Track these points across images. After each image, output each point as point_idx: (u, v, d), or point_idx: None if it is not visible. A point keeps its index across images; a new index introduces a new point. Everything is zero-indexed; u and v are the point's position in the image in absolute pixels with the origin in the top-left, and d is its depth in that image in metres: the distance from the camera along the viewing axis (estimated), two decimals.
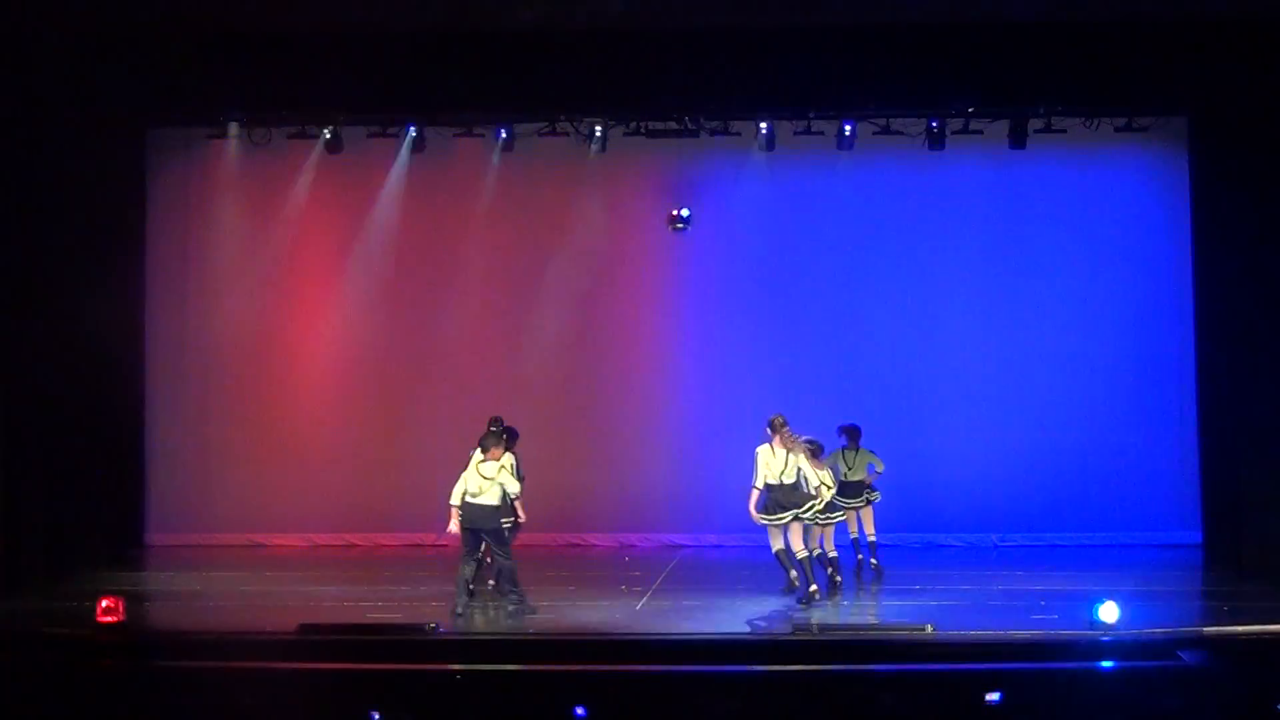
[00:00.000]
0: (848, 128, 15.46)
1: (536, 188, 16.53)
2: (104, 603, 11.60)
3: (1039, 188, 16.34)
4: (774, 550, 12.69)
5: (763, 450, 12.65)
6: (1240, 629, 11.56)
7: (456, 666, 10.47)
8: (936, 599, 12.97)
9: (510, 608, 12.27)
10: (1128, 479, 16.17)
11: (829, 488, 12.98)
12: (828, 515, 13.00)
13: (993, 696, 9.50)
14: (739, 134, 15.78)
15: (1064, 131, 15.52)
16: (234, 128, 15.84)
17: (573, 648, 11.14)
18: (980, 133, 15.62)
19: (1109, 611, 11.20)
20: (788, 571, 12.67)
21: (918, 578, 14.05)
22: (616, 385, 16.46)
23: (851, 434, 14.28)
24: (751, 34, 13.57)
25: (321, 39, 13.49)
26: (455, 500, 12.24)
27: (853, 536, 14.11)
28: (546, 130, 15.90)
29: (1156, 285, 16.25)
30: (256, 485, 16.62)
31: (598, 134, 15.66)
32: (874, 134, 15.63)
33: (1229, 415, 14.80)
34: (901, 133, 15.64)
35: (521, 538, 13.24)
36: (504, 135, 15.94)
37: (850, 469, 14.03)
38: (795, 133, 15.76)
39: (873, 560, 14.11)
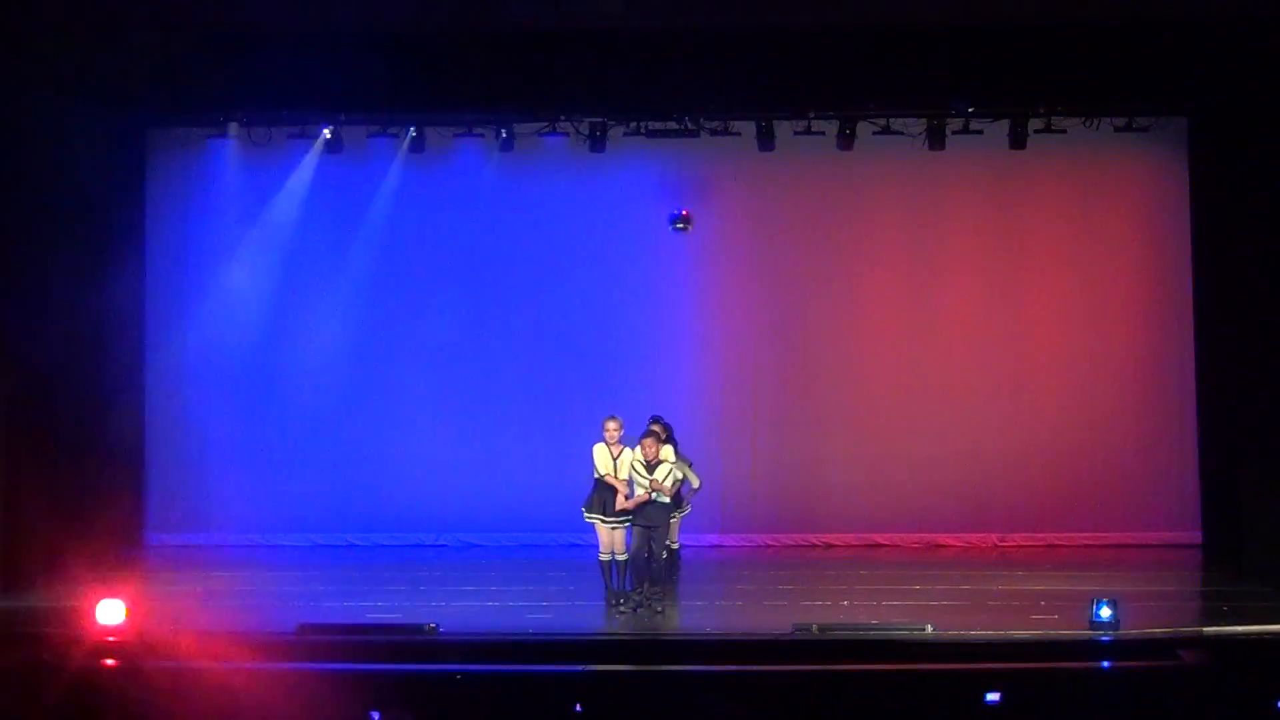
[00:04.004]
0: (848, 128, 15.47)
1: (536, 188, 16.53)
2: (104, 603, 11.61)
3: (1039, 188, 16.34)
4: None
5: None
6: (1240, 629, 11.56)
7: (456, 666, 10.47)
8: (936, 599, 12.97)
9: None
10: (1128, 479, 16.17)
11: None
12: None
13: (993, 696, 9.50)
14: (739, 134, 15.78)
15: (1064, 132, 15.52)
16: (234, 128, 15.84)
17: (573, 648, 11.14)
18: (980, 133, 15.61)
19: (1108, 611, 11.21)
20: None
21: (918, 578, 14.05)
22: (615, 385, 16.43)
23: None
24: (751, 34, 13.55)
25: (321, 39, 13.48)
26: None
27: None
28: (546, 130, 15.91)
29: (1156, 285, 16.25)
30: (256, 485, 16.61)
31: (598, 134, 15.67)
32: (874, 134, 15.63)
33: (1229, 415, 14.80)
34: (901, 133, 15.63)
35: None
36: (504, 135, 15.94)
37: None
38: (795, 133, 15.75)
39: None
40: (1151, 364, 16.25)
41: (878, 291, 16.53)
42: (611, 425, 12.58)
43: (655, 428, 12.68)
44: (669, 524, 12.50)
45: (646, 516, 12.29)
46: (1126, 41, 13.28)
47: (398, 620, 11.89)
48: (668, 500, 12.35)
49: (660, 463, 12.32)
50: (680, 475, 12.43)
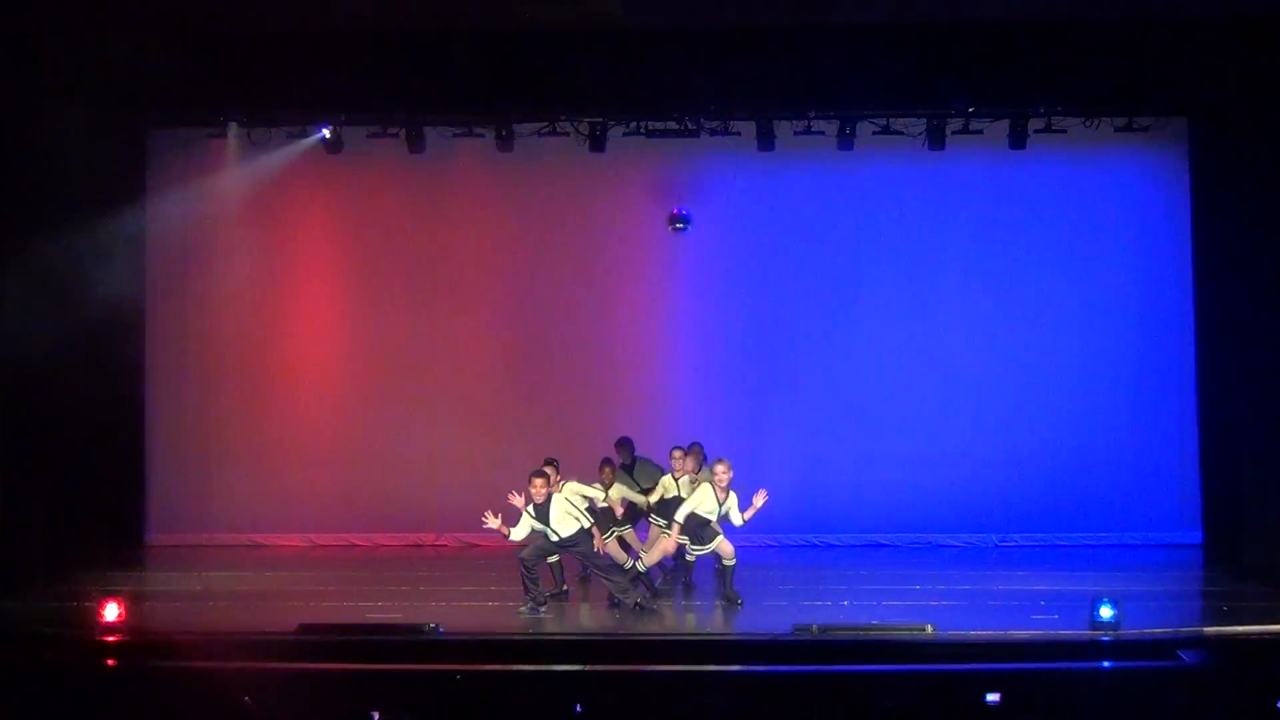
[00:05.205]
0: (848, 128, 15.48)
1: (536, 188, 16.52)
2: (104, 603, 11.62)
3: (1039, 188, 16.34)
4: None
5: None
6: (1240, 629, 11.57)
7: (456, 666, 10.47)
8: (936, 599, 12.97)
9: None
10: (1128, 479, 16.16)
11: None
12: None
13: (993, 696, 9.51)
14: (739, 134, 15.78)
15: (1064, 131, 15.53)
16: (234, 128, 15.84)
17: (573, 648, 11.15)
18: (980, 133, 15.62)
19: (1109, 611, 11.22)
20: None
21: (918, 578, 14.06)
22: (615, 385, 16.45)
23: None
24: (752, 34, 13.56)
25: (321, 39, 13.48)
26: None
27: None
28: (546, 130, 15.91)
29: (1156, 285, 16.24)
30: (256, 485, 16.61)
31: (598, 134, 15.66)
32: (874, 134, 15.64)
33: (1229, 415, 14.80)
34: (901, 133, 15.64)
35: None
36: (504, 135, 15.92)
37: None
38: (795, 133, 15.76)
39: None
40: (1151, 364, 16.24)
41: (878, 291, 16.51)
42: (720, 468, 12.82)
43: (547, 469, 12.78)
44: (590, 546, 12.56)
45: (563, 545, 12.57)
46: (1126, 41, 13.29)
47: (398, 620, 11.89)
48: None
49: (551, 497, 12.44)
50: (580, 514, 12.57)
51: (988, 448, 16.22)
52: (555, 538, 12.45)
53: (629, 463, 14.19)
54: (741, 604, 12.68)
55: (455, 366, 16.65)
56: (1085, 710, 9.70)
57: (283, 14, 13.06)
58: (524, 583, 12.44)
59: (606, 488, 13.42)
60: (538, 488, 12.40)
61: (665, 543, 12.92)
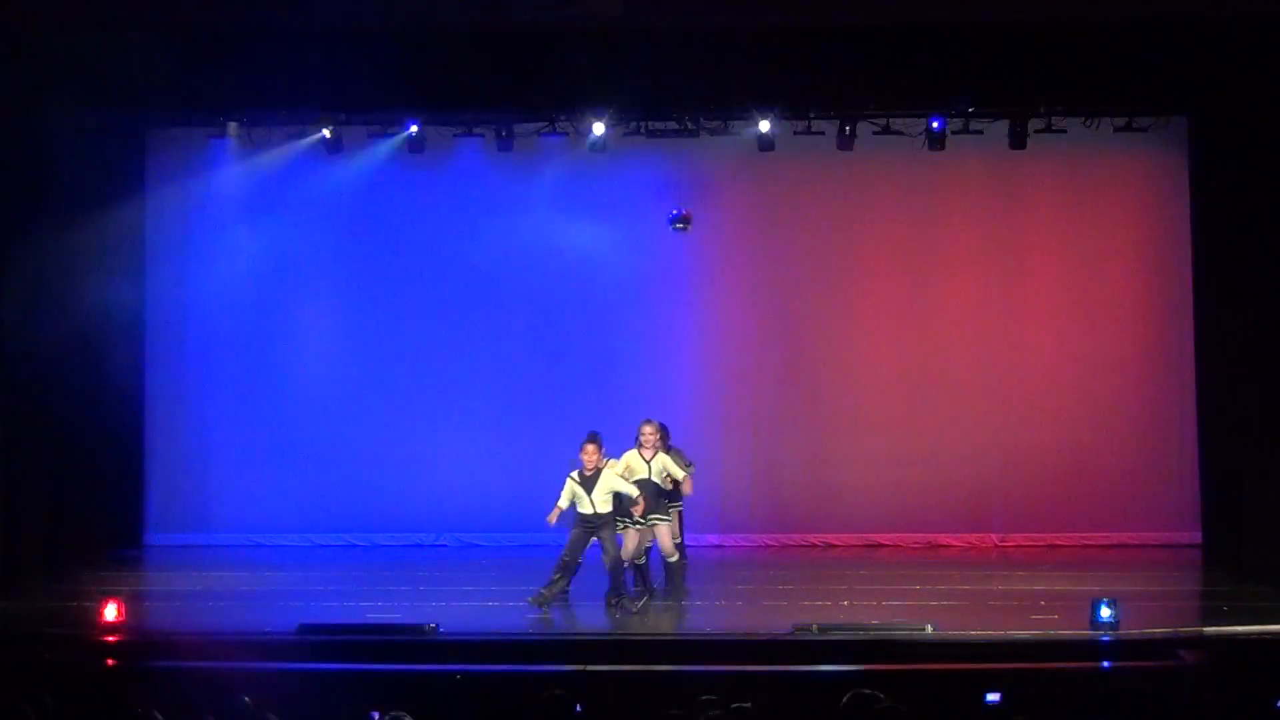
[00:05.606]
0: (848, 128, 15.48)
1: (536, 188, 16.52)
2: (104, 603, 11.62)
3: (1039, 188, 16.34)
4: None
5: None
6: (1240, 629, 11.56)
7: (456, 666, 10.47)
8: (936, 599, 12.97)
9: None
10: (1128, 479, 16.16)
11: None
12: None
13: (993, 696, 9.50)
14: (739, 134, 15.79)
15: (1064, 131, 15.53)
16: (234, 128, 15.83)
17: (573, 648, 11.15)
18: (980, 133, 15.62)
19: (1109, 611, 11.21)
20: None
21: (918, 578, 14.05)
22: (615, 385, 16.43)
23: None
24: (751, 34, 13.56)
25: (321, 38, 13.49)
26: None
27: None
28: (546, 130, 15.91)
29: (1156, 285, 16.25)
30: (256, 485, 16.61)
31: (598, 134, 15.67)
32: (874, 134, 15.64)
33: (1229, 415, 14.79)
34: (901, 133, 15.63)
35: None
36: (504, 135, 15.92)
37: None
38: (795, 133, 15.76)
39: None
40: (1151, 364, 16.25)
41: (878, 292, 16.53)
42: (647, 429, 12.81)
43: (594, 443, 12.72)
44: (614, 530, 12.51)
45: (593, 521, 12.46)
46: (1126, 41, 13.29)
47: (398, 620, 11.88)
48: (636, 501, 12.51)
49: (598, 473, 12.37)
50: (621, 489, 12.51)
51: (988, 448, 16.23)
52: (589, 510, 12.38)
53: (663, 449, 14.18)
54: (688, 594, 12.69)
55: (455, 366, 16.65)
56: (1085, 710, 9.67)
57: (283, 14, 13.06)
58: (553, 572, 12.40)
59: (648, 462, 13.46)
60: (590, 454, 12.38)
61: (629, 533, 12.84)
